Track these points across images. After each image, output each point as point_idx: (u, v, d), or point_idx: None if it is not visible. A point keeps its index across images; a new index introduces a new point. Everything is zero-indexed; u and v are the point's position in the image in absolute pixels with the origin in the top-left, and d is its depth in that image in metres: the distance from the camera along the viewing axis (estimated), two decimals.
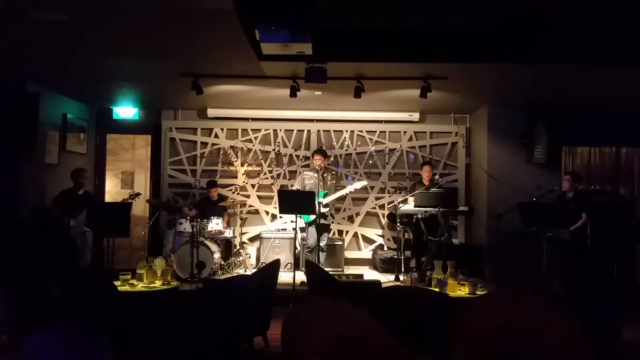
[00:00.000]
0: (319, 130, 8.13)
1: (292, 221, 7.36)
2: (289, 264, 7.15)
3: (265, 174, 8.10)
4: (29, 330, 1.74)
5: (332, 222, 7.03)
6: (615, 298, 3.52)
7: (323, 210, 6.49)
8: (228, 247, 7.33)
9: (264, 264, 6.94)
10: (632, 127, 7.32)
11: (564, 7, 4.71)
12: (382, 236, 8.12)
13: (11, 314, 1.87)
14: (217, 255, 6.68)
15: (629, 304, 3.78)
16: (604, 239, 6.11)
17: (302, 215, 6.36)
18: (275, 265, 4.43)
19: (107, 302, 2.01)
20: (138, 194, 6.63)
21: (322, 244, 6.66)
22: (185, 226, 6.82)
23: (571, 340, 1.88)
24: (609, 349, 3.11)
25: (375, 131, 8.11)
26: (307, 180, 6.77)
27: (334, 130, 8.14)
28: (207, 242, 6.59)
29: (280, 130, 8.12)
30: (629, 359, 3.97)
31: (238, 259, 7.11)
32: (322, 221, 6.55)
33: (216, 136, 8.11)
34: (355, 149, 8.11)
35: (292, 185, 7.41)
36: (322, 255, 6.70)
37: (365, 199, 8.09)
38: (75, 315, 1.94)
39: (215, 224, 6.83)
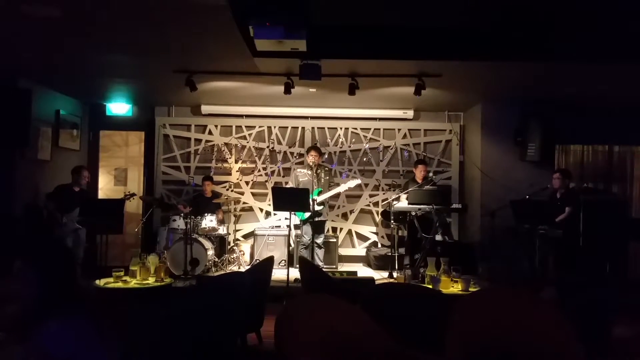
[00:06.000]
0: (313, 128, 8.13)
1: (286, 218, 7.36)
2: (283, 261, 7.15)
3: (259, 170, 8.09)
4: (33, 326, 1.73)
5: (327, 220, 7.02)
6: (607, 296, 3.54)
7: (318, 208, 6.48)
8: (222, 244, 7.32)
9: (258, 261, 6.93)
10: (625, 126, 7.37)
11: (559, 7, 4.73)
12: (376, 233, 8.13)
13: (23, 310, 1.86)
14: (210, 252, 6.68)
15: (620, 301, 3.80)
16: (596, 237, 6.16)
17: (297, 213, 6.36)
18: (269, 262, 4.43)
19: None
20: (133, 194, 6.60)
21: (319, 241, 6.66)
22: (179, 223, 6.81)
23: (562, 337, 1.89)
24: (600, 347, 3.13)
25: (370, 128, 8.11)
26: (300, 177, 6.75)
27: (328, 128, 8.14)
28: (201, 239, 6.58)
29: (275, 127, 8.11)
30: (620, 356, 3.99)
31: (232, 256, 7.10)
32: (318, 219, 6.55)
33: (210, 133, 8.09)
34: (350, 146, 8.12)
35: (286, 183, 7.41)
36: (320, 252, 6.70)
37: (360, 197, 8.10)
38: (83, 311, 1.93)
39: (209, 221, 6.81)
